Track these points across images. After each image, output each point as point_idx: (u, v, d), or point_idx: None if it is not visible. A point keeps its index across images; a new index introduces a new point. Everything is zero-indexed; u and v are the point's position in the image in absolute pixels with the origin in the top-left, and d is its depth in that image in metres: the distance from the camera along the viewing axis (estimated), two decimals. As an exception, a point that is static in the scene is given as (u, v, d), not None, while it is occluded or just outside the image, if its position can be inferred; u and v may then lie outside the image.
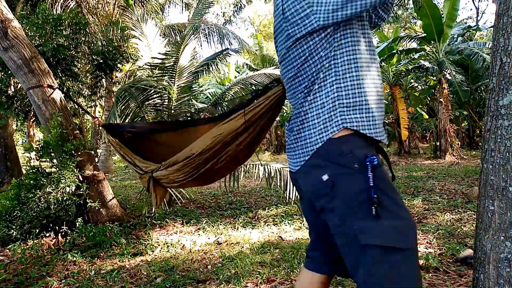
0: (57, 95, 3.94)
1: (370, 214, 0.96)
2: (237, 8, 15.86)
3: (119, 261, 3.09)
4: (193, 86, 5.39)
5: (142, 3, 9.07)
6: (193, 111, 5.23)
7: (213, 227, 4.05)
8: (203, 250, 3.29)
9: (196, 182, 1.94)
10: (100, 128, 2.17)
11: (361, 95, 1.04)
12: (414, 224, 1.03)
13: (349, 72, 1.04)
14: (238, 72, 17.12)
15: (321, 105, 1.04)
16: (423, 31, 10.72)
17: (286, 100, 1.48)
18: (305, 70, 1.06)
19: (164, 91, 4.76)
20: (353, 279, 1.05)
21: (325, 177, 1.01)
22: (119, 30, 6.47)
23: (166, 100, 5.02)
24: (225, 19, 17.96)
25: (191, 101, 5.39)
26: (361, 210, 0.97)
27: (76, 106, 6.58)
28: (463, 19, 20.67)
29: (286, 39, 1.08)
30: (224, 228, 3.99)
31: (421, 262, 2.71)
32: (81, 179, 3.79)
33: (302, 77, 1.08)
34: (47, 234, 3.60)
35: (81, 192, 3.73)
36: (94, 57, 5.92)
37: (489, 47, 11.02)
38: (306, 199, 1.20)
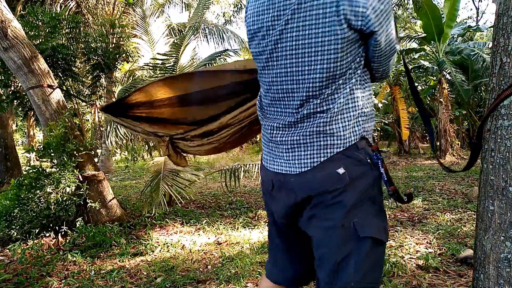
0: (57, 94, 3.94)
1: (371, 209, 1.05)
2: (237, 8, 15.87)
3: (119, 261, 3.09)
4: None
5: (142, 2, 9.06)
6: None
7: (213, 227, 4.05)
8: (203, 250, 3.29)
9: (211, 150, 2.07)
10: (101, 113, 2.17)
11: (372, 106, 1.12)
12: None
13: (368, 86, 1.12)
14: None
15: (348, 110, 1.05)
16: (423, 31, 10.71)
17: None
18: (340, 70, 1.03)
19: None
20: (327, 273, 1.07)
21: (341, 170, 1.02)
22: (119, 29, 6.47)
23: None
24: (225, 19, 17.98)
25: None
26: (365, 205, 1.04)
27: (76, 106, 6.58)
28: (463, 19, 20.65)
29: (332, 30, 0.99)
30: (224, 228, 3.99)
31: (421, 262, 2.71)
32: (81, 179, 3.79)
33: (337, 75, 1.03)
34: (47, 234, 3.60)
35: (81, 192, 3.73)
36: (92, 56, 5.92)
37: (489, 47, 11.02)
38: (292, 202, 1.12)
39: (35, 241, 3.45)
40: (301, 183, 1.07)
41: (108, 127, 4.70)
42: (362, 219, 1.03)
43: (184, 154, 2.19)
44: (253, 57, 1.20)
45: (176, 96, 2.05)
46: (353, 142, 1.05)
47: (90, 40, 5.92)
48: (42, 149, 3.62)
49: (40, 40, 4.81)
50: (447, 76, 10.27)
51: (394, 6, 9.48)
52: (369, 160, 1.05)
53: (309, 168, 1.05)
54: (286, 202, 1.13)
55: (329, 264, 1.05)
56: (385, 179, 1.05)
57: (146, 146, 5.75)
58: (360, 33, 1.00)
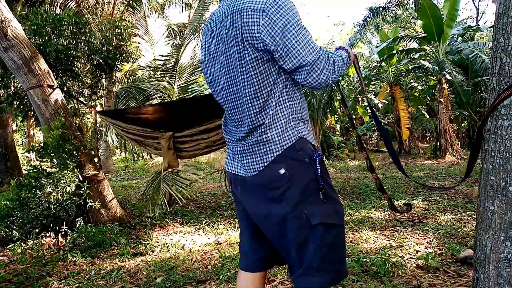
0: (57, 94, 3.93)
1: (318, 199, 1.18)
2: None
3: (119, 261, 3.09)
4: (193, 86, 5.40)
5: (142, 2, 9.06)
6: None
7: (213, 227, 4.05)
8: (203, 250, 3.29)
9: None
10: (97, 115, 2.32)
11: (305, 111, 1.28)
12: (342, 205, 1.28)
13: (296, 95, 1.25)
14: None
15: (278, 119, 1.20)
16: (423, 31, 10.71)
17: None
18: (261, 88, 1.18)
19: (164, 91, 4.77)
20: (293, 259, 1.23)
21: (282, 171, 1.17)
22: (119, 29, 6.46)
23: (167, 100, 5.03)
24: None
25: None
26: (312, 197, 1.18)
27: (77, 106, 6.58)
28: (463, 19, 20.60)
29: (243, 55, 1.16)
30: (224, 228, 3.99)
31: (421, 262, 2.71)
32: (81, 179, 3.78)
33: (259, 94, 1.18)
34: (47, 234, 3.60)
35: (81, 192, 3.73)
36: (93, 56, 5.91)
37: (489, 47, 11.01)
38: (251, 199, 1.29)
39: (35, 241, 3.45)
40: (254, 181, 1.24)
41: (106, 128, 4.72)
42: (312, 209, 1.17)
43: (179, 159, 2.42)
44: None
45: (165, 108, 2.31)
46: (289, 144, 1.19)
47: (90, 40, 5.91)
48: (41, 149, 3.62)
49: (41, 41, 4.80)
50: (447, 76, 10.26)
51: (394, 6, 9.46)
52: (307, 159, 1.19)
53: (257, 172, 1.22)
54: (247, 195, 1.31)
55: (293, 251, 1.21)
56: (319, 175, 1.18)
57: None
58: (268, 52, 1.14)
